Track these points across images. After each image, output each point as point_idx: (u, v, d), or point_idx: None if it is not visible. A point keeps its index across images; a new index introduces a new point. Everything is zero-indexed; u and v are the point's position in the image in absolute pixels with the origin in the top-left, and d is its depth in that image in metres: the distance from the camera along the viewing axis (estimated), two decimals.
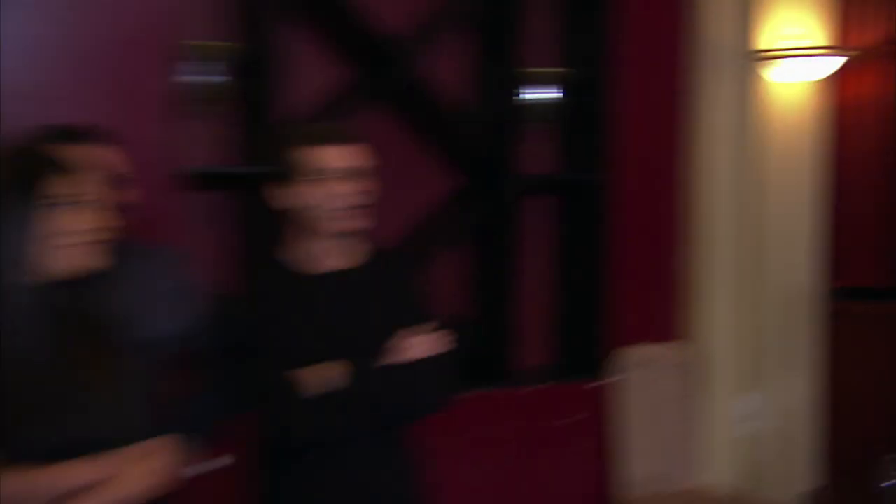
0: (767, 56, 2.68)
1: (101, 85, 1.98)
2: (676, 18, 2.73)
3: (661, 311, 2.85)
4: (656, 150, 2.79)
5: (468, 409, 2.28)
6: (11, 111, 1.68)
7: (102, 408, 1.26)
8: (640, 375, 2.75)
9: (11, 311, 1.21)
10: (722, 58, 2.71)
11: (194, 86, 2.12)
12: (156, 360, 1.44)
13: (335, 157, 1.50)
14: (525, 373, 2.61)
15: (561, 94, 2.62)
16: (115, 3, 1.97)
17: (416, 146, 2.48)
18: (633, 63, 2.57)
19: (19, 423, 1.20)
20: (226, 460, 1.88)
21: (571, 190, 2.64)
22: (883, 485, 2.47)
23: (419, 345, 1.52)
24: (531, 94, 2.51)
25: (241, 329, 1.61)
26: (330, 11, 2.21)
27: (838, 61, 2.69)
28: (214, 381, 1.68)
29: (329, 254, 1.56)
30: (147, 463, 1.26)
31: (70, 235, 1.23)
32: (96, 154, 1.42)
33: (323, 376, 1.52)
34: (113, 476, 1.21)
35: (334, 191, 1.49)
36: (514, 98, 2.43)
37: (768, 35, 2.71)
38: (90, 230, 1.25)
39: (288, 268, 1.60)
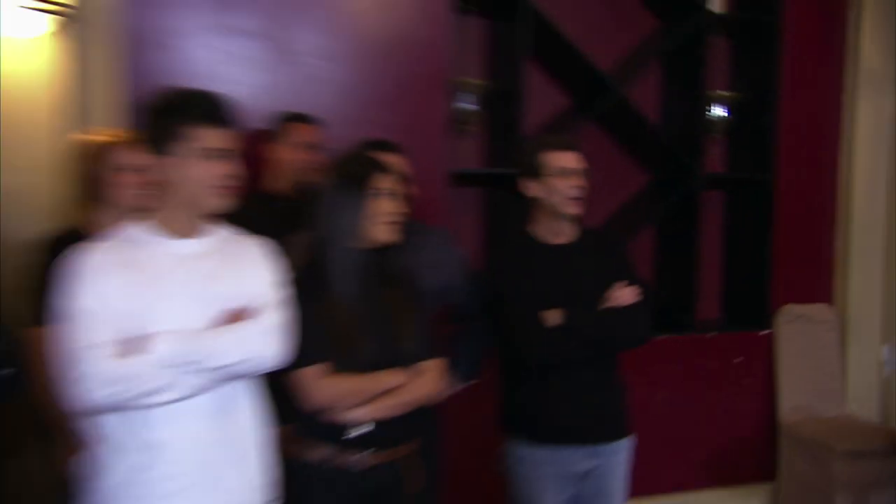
0: None
1: (395, 112, 2.62)
2: (832, 45, 3.21)
3: (815, 278, 3.36)
4: (813, 152, 3.26)
5: (664, 349, 2.93)
6: (340, 132, 2.29)
7: (400, 336, 1.67)
8: (798, 328, 3.24)
9: (345, 266, 1.63)
10: (869, 78, 3.19)
11: (459, 111, 2.77)
12: (433, 307, 1.88)
13: (567, 160, 1.95)
14: (707, 322, 3.15)
15: (733, 111, 3.11)
16: (406, 53, 2.62)
17: (619, 153, 3.05)
18: (794, 83, 3.07)
19: (347, 345, 1.62)
20: (474, 382, 2.28)
21: (742, 185, 3.16)
22: None
23: (623, 296, 1.92)
24: (710, 111, 3.00)
25: (493, 285, 2.03)
26: (556, 53, 2.80)
27: None
28: (473, 324, 2.18)
29: (559, 230, 1.99)
30: (429, 377, 1.69)
31: (385, 216, 1.63)
32: (396, 159, 1.92)
33: (555, 317, 1.91)
34: (407, 384, 1.63)
35: (566, 185, 1.93)
36: (696, 114, 2.94)
37: None
38: (396, 213, 1.65)
39: (532, 239, 2.04)
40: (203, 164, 1.42)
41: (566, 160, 1.95)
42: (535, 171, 1.96)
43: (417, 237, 2.03)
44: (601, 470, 2.06)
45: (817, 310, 3.35)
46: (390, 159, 1.83)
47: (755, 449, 3.33)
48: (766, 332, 3.25)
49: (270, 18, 2.51)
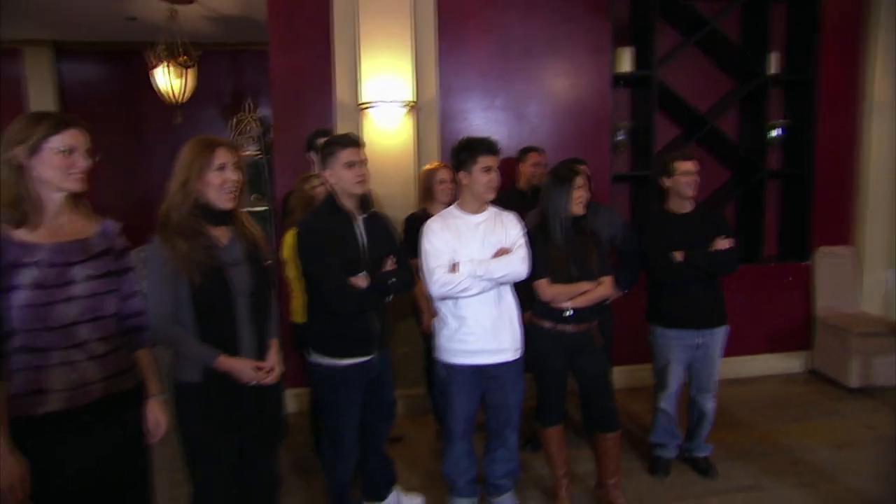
0: None
1: (581, 142, 3.81)
2: (852, 89, 4.24)
3: (839, 230, 4.33)
4: (837, 156, 4.25)
5: (744, 273, 3.80)
6: (552, 156, 3.40)
7: (589, 263, 2.44)
8: (829, 261, 4.28)
9: (558, 226, 2.43)
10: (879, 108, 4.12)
11: (616, 140, 3.99)
12: (607, 247, 2.72)
13: (688, 165, 2.68)
14: (770, 257, 4.28)
15: (785, 130, 4.22)
16: (586, 110, 3.84)
17: (710, 159, 4.19)
18: (826, 112, 4.10)
19: (561, 268, 2.38)
20: (629, 290, 2.94)
21: (791, 177, 4.23)
22: None
23: (722, 244, 2.62)
24: (769, 133, 4.16)
25: (642, 236, 2.74)
26: (672, 102, 3.98)
27: None
28: (629, 258, 2.90)
29: (683, 206, 2.70)
30: (605, 285, 2.46)
31: (578, 199, 2.41)
32: (584, 168, 2.69)
33: (679, 255, 2.59)
34: (593, 289, 2.44)
35: (686, 180, 2.66)
36: (761, 134, 4.08)
37: None
38: (583, 198, 2.41)
39: (666, 211, 2.75)
40: (483, 175, 2.22)
41: (688, 166, 2.68)
42: (668, 172, 2.72)
43: (597, 210, 2.92)
44: (707, 344, 2.74)
45: (841, 249, 4.29)
46: (581, 168, 2.57)
47: (799, 331, 4.31)
48: (807, 263, 4.25)
49: (512, 99, 3.87)
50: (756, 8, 4.06)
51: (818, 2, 4.02)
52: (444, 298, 2.28)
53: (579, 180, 2.41)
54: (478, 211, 2.32)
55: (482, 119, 3.82)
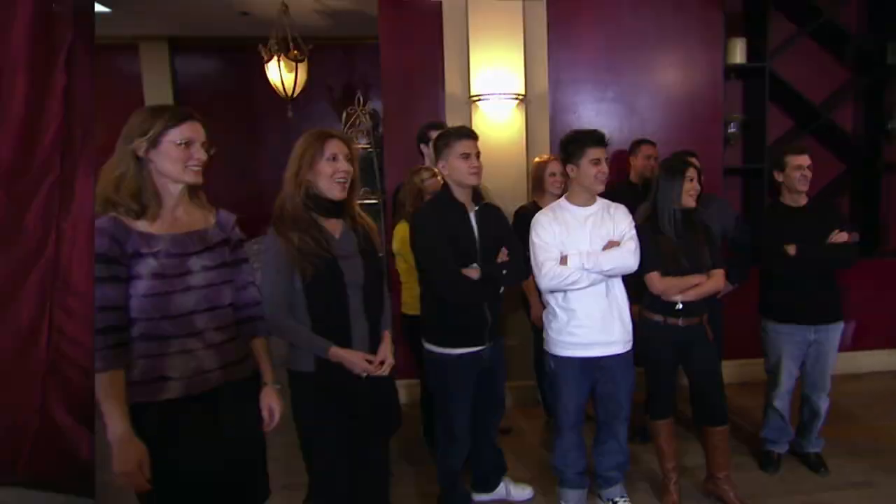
0: None
1: (693, 134, 3.67)
2: None
3: None
4: None
5: (862, 266, 3.32)
6: (663, 149, 3.28)
7: (701, 256, 2.35)
8: None
9: (668, 223, 2.37)
10: None
11: (728, 132, 3.93)
12: (719, 241, 2.56)
13: (802, 160, 2.57)
14: (890, 251, 4.10)
15: None
16: (699, 102, 3.73)
17: (823, 152, 4.05)
18: None
19: (673, 261, 2.32)
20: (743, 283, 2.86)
21: None
22: None
23: (841, 237, 2.54)
24: (888, 126, 3.98)
25: (757, 229, 2.64)
26: (785, 94, 3.88)
27: None
28: (742, 251, 2.81)
29: (798, 199, 2.62)
30: (716, 279, 2.40)
31: (690, 191, 2.33)
32: (695, 161, 2.60)
33: (792, 248, 2.49)
34: (704, 282, 2.37)
35: (800, 174, 2.56)
36: (879, 127, 3.91)
37: None
38: (695, 189, 2.35)
39: (781, 204, 2.67)
40: (592, 167, 2.20)
41: (801, 160, 2.59)
42: (780, 166, 2.65)
43: (709, 202, 2.85)
44: (821, 340, 2.64)
45: None
46: (693, 160, 2.54)
47: None
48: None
49: (623, 92, 3.83)
50: None
51: None
52: (553, 291, 2.28)
53: (691, 172, 2.37)
54: (587, 203, 2.30)
55: (593, 111, 3.83)
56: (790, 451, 2.95)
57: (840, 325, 2.67)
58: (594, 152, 2.22)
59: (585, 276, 2.19)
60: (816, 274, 2.59)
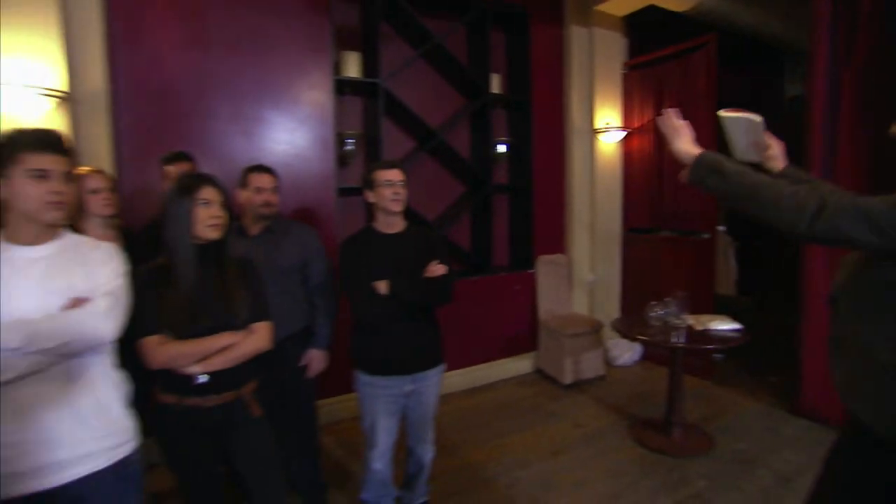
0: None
1: (301, 148, 3.21)
2: (559, 112, 4.25)
3: (555, 240, 4.38)
4: (551, 171, 4.31)
5: (476, 284, 3.74)
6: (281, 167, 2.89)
7: (228, 307, 1.67)
8: (548, 268, 4.23)
9: (183, 255, 1.64)
10: (577, 132, 4.26)
11: (346, 150, 3.41)
12: (265, 285, 1.76)
13: (391, 174, 2.09)
14: (499, 267, 4.15)
15: (509, 147, 4.12)
16: (313, 117, 3.16)
17: (444, 173, 3.89)
18: (540, 133, 4.07)
19: (185, 320, 1.60)
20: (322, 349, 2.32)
21: (516, 190, 4.18)
22: (650, 314, 3.26)
23: (437, 269, 2.07)
24: (496, 148, 4.00)
25: (348, 265, 2.06)
26: (403, 114, 3.59)
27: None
28: (326, 297, 2.33)
29: (390, 224, 2.11)
30: (259, 335, 1.70)
31: (209, 220, 1.63)
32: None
33: (383, 286, 2.01)
34: (238, 342, 1.66)
35: (391, 192, 2.07)
36: (488, 150, 3.87)
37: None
38: (218, 218, 1.63)
39: (374, 230, 2.14)
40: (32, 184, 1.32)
41: (391, 174, 2.10)
42: (370, 184, 2.12)
43: (286, 229, 2.31)
44: (419, 390, 2.21)
45: (557, 258, 4.34)
46: (211, 177, 1.73)
47: (526, 334, 4.26)
48: (531, 271, 4.21)
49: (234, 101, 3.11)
50: (478, 30, 3.89)
51: (528, 34, 4.03)
52: None
53: (206, 192, 1.65)
54: (35, 241, 1.41)
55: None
56: None
57: (440, 369, 2.27)
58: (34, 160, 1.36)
59: (14, 359, 1.26)
60: (411, 314, 2.11)
